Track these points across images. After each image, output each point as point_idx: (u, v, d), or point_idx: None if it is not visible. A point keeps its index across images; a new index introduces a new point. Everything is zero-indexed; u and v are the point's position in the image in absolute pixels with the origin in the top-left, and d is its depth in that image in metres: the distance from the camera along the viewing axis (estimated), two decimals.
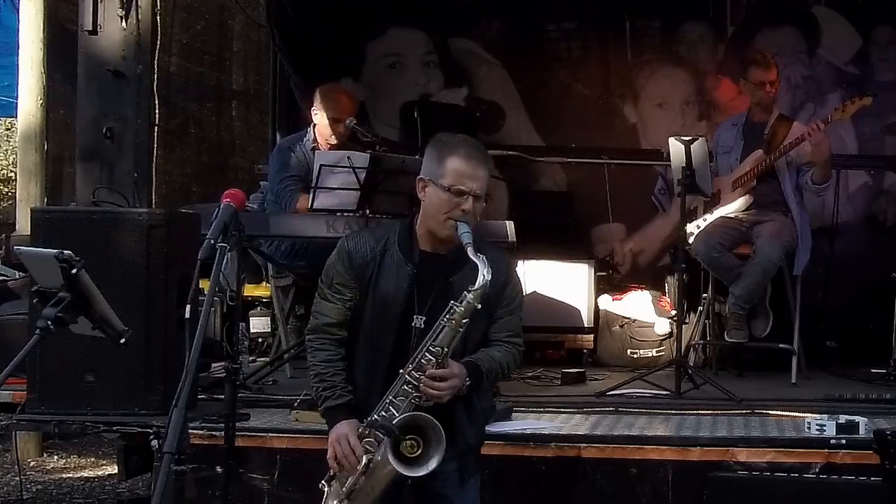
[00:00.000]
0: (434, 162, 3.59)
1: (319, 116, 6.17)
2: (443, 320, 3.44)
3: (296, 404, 4.92)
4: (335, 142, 6.13)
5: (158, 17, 6.17)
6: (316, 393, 3.64)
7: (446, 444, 3.48)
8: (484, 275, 3.41)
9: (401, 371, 3.46)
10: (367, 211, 5.68)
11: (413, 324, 3.54)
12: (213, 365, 5.80)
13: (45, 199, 8.24)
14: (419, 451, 3.42)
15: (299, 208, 5.95)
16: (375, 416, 3.46)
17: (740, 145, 6.47)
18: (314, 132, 6.21)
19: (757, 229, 6.27)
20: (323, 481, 3.60)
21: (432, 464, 3.41)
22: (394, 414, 3.43)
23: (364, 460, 3.46)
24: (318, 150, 6.08)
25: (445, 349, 3.43)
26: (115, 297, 3.73)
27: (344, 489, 3.51)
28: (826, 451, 4.44)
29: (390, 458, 3.40)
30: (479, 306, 3.44)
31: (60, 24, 8.20)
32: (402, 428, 3.41)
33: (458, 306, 3.42)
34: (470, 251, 3.45)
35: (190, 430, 3.44)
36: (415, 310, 3.55)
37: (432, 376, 3.42)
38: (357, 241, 3.63)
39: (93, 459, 8.02)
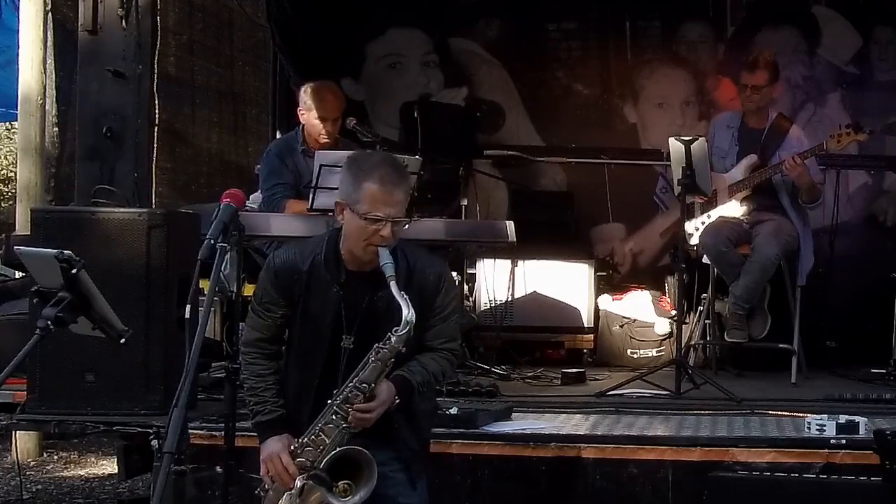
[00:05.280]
0: (350, 186, 3.53)
1: (307, 116, 6.14)
2: (369, 359, 3.43)
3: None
4: (326, 140, 6.09)
5: (158, 17, 6.16)
6: (248, 407, 3.66)
7: (384, 445, 3.52)
8: (407, 318, 3.38)
9: (329, 401, 3.46)
10: None
11: (342, 344, 3.54)
12: (213, 365, 5.79)
13: (53, 196, 8.24)
14: (352, 495, 3.44)
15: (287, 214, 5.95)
16: (305, 440, 3.47)
17: (735, 151, 6.44)
18: (303, 133, 6.19)
19: (756, 229, 6.27)
20: (259, 489, 3.64)
21: (363, 492, 3.43)
22: (323, 440, 3.44)
23: (298, 484, 3.47)
24: (308, 150, 6.05)
25: (372, 385, 3.42)
26: (115, 297, 3.73)
27: None
28: (826, 451, 4.43)
29: (328, 497, 3.43)
30: (403, 349, 3.42)
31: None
32: (335, 463, 3.43)
33: (382, 348, 3.41)
34: (394, 288, 3.40)
35: (190, 430, 3.45)
36: (343, 330, 3.54)
37: (360, 410, 3.42)
38: (283, 260, 3.62)
39: (93, 459, 8.02)
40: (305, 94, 6.17)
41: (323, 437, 3.45)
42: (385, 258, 3.44)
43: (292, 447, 3.51)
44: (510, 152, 8.02)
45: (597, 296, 7.35)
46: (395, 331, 3.40)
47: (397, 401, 3.50)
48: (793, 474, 4.34)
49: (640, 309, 7.20)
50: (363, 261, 3.53)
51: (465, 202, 7.13)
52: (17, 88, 8.38)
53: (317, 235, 3.80)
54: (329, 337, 3.55)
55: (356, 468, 3.45)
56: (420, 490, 3.65)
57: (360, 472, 3.45)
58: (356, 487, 3.44)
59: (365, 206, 3.46)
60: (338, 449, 3.44)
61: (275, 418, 3.59)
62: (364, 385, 3.42)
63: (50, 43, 8.31)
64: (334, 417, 3.45)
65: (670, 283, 7.29)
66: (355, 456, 3.44)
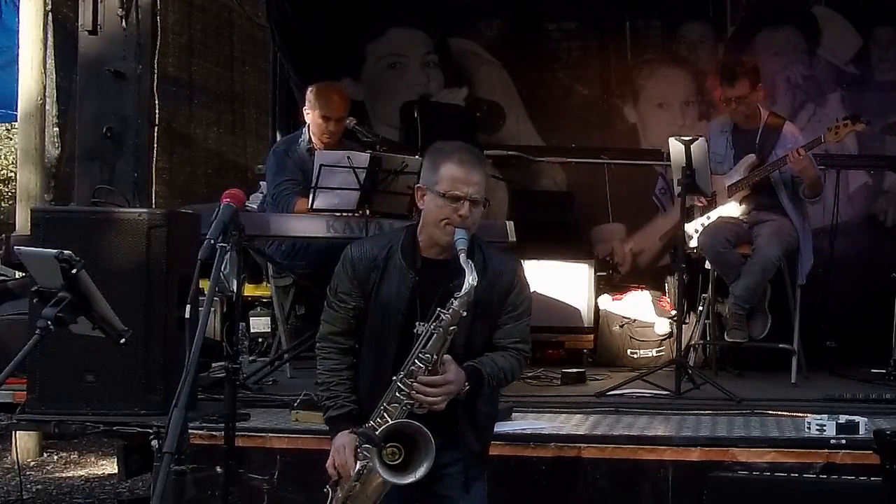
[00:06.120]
0: (430, 170, 3.60)
1: (311, 115, 6.15)
2: (430, 327, 3.44)
3: (296, 404, 4.92)
4: (329, 140, 6.10)
5: (158, 17, 6.17)
6: (320, 401, 3.69)
7: (450, 446, 3.51)
8: (469, 282, 3.40)
9: (393, 378, 3.46)
10: (367, 211, 5.68)
11: (415, 330, 3.54)
12: (213, 365, 5.80)
13: (53, 196, 8.25)
14: (401, 459, 3.43)
15: (297, 211, 5.93)
16: (370, 423, 3.47)
17: (731, 155, 6.43)
18: (309, 132, 6.19)
19: (757, 229, 6.27)
20: (328, 486, 3.62)
21: (421, 471, 3.41)
22: (387, 420, 3.44)
23: (357, 467, 3.47)
24: (315, 149, 6.07)
25: (435, 356, 3.42)
26: (115, 297, 3.72)
27: (340, 495, 3.53)
28: (826, 451, 4.43)
29: (377, 466, 3.41)
30: (465, 313, 3.42)
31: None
32: (390, 435, 3.41)
33: (444, 314, 3.42)
34: (462, 257, 3.44)
35: (190, 430, 3.44)
36: (417, 316, 3.55)
37: (424, 383, 3.42)
38: (360, 249, 3.65)
39: (93, 459, 8.02)
40: (311, 94, 6.20)
41: (387, 417, 3.44)
42: (460, 235, 3.47)
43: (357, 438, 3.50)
44: (510, 152, 8.02)
45: (597, 296, 7.34)
46: (456, 296, 3.41)
47: (466, 387, 3.50)
48: (793, 474, 4.34)
49: (640, 309, 7.19)
50: (441, 245, 3.56)
51: None
52: (17, 89, 8.38)
53: (394, 229, 3.81)
54: (402, 323, 3.56)
55: (413, 447, 3.42)
56: (474, 493, 3.64)
57: (418, 450, 3.41)
58: (414, 463, 3.40)
59: (444, 184, 3.52)
60: (395, 421, 3.42)
61: (345, 413, 3.60)
62: (427, 355, 3.42)
63: (50, 43, 8.33)
64: (398, 395, 3.44)
65: (670, 283, 7.29)
66: (412, 433, 3.41)
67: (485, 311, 3.54)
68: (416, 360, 3.43)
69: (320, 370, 3.67)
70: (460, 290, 3.41)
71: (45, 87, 8.34)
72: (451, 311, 3.41)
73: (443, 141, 3.74)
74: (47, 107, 8.43)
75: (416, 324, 3.54)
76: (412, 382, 3.42)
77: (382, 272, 3.58)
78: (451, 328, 3.42)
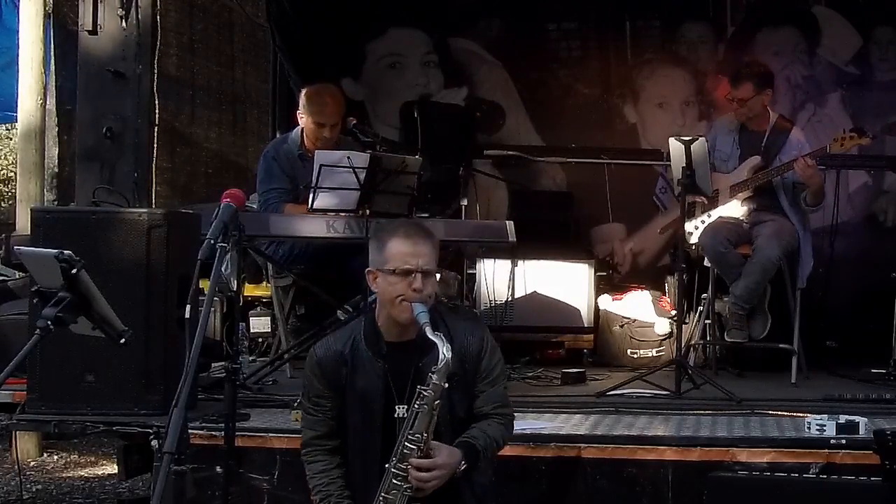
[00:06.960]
0: (376, 250, 3.58)
1: (305, 120, 6.12)
2: (415, 406, 3.41)
3: (296, 404, 4.91)
4: (322, 146, 6.06)
5: (159, 17, 6.17)
6: None
7: None
8: (443, 353, 3.38)
9: (386, 465, 3.43)
10: (367, 211, 5.67)
11: (396, 415, 3.53)
12: (213, 365, 5.79)
13: (55, 196, 8.25)
14: None
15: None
16: None
17: (737, 154, 6.43)
18: (302, 135, 6.16)
19: (757, 229, 6.27)
20: None
21: None
22: None
23: None
24: (306, 154, 6.04)
25: (425, 434, 3.40)
26: (115, 297, 3.73)
27: None
28: (826, 451, 4.43)
29: None
30: (446, 385, 3.40)
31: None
32: None
33: (425, 390, 3.39)
34: (427, 330, 3.41)
35: (190, 430, 3.45)
36: (395, 401, 3.53)
37: (417, 467, 3.39)
38: (325, 348, 3.64)
39: (93, 459, 8.02)
40: (304, 97, 6.15)
41: None
42: (419, 309, 3.44)
43: None
44: (510, 152, 8.03)
45: (597, 296, 7.34)
46: (434, 369, 3.39)
47: (464, 465, 3.48)
48: (793, 474, 4.34)
49: (640, 309, 7.19)
50: (401, 324, 3.53)
51: (465, 202, 7.13)
52: (18, 89, 8.39)
53: (352, 322, 3.78)
54: (381, 412, 3.54)
55: None
56: None
57: None
58: None
59: (393, 261, 3.50)
60: None
61: None
62: (416, 435, 3.39)
63: (50, 43, 8.33)
64: (395, 482, 3.40)
65: (670, 283, 7.29)
66: None
67: (459, 383, 3.52)
68: (406, 443, 3.40)
69: (310, 475, 3.65)
70: (436, 364, 3.38)
71: (45, 87, 8.34)
72: (431, 385, 3.39)
73: (385, 221, 3.71)
74: (47, 107, 8.44)
75: (396, 408, 3.53)
76: (406, 466, 3.39)
77: (352, 366, 3.57)
78: (436, 402, 3.40)
